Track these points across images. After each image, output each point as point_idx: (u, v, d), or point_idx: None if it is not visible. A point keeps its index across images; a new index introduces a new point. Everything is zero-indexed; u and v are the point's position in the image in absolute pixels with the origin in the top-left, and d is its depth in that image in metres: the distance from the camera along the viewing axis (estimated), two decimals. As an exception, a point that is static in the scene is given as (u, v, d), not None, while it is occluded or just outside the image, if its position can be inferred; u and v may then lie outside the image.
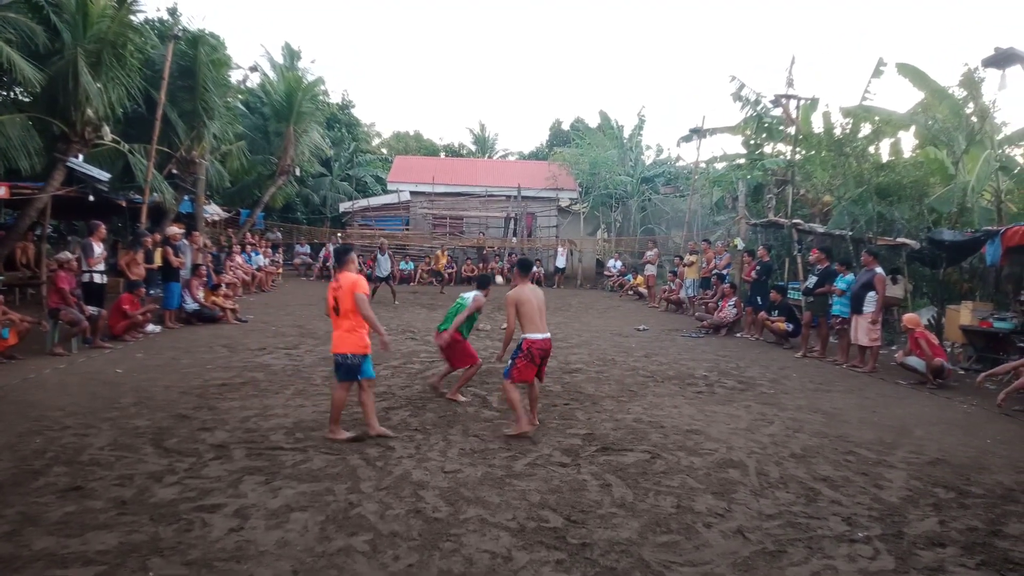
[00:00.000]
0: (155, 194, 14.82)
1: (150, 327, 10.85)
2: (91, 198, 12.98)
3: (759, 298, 12.84)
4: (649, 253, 20.32)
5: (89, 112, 11.77)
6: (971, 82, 13.60)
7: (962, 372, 9.87)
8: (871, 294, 9.74)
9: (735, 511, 4.44)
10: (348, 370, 5.66)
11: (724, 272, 15.27)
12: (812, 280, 11.13)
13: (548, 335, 6.13)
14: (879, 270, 9.94)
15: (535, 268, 5.71)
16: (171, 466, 4.89)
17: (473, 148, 47.72)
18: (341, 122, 35.88)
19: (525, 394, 6.23)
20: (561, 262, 24.67)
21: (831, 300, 10.55)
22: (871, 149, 15.89)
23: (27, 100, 12.77)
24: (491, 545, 3.82)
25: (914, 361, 8.98)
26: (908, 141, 16.40)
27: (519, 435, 5.86)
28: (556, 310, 16.87)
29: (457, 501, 4.43)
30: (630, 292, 21.27)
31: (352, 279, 5.64)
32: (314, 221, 31.21)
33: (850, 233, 13.54)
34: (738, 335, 13.25)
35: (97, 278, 10.20)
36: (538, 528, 4.07)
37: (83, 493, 4.35)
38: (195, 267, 12.70)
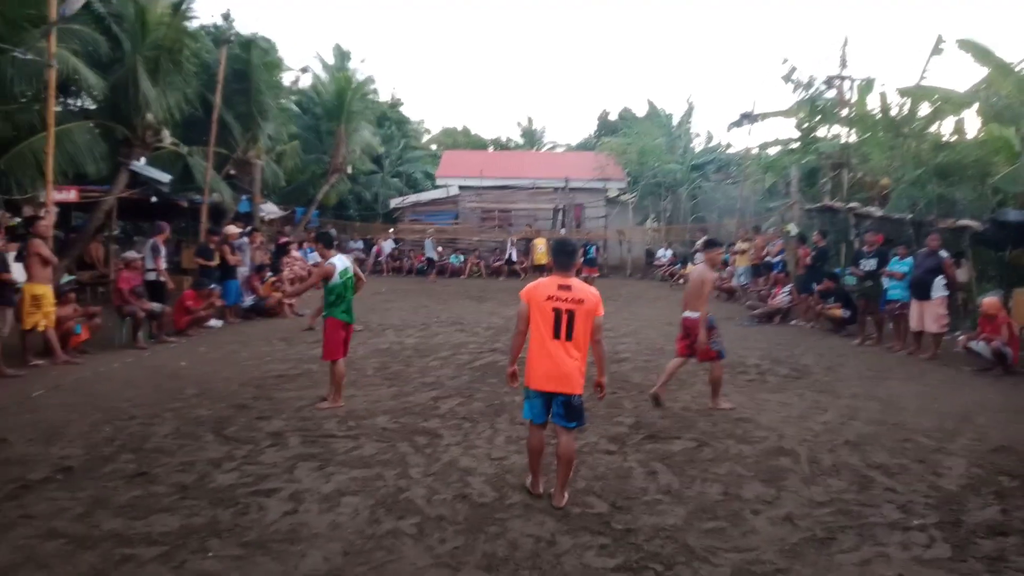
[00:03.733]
0: (214, 194, 15.34)
1: (213, 322, 11.29)
2: (154, 199, 13.54)
3: (814, 284, 12.50)
4: (699, 242, 19.98)
5: (149, 117, 12.28)
6: (1040, 54, 12.88)
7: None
8: (939, 279, 9.36)
9: (784, 498, 4.37)
10: (579, 414, 4.26)
11: (776, 259, 14.91)
12: (872, 263, 10.73)
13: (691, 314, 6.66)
14: (945, 254, 9.56)
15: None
16: (230, 453, 5.09)
17: (521, 141, 47.72)
18: (391, 120, 36.38)
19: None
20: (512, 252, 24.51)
21: (886, 285, 10.19)
22: (932, 129, 15.23)
23: (92, 107, 13.37)
24: (535, 530, 3.87)
25: (980, 346, 8.60)
26: (973, 121, 15.62)
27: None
28: (605, 300, 16.69)
29: (503, 487, 4.50)
30: (680, 281, 20.97)
31: (596, 295, 4.29)
32: (366, 217, 31.77)
33: (910, 216, 13.04)
34: (792, 323, 12.93)
35: (162, 277, 10.66)
36: (583, 514, 4.09)
37: (148, 478, 4.57)
38: (259, 267, 13.13)
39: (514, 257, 24.48)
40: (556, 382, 4.11)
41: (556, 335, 4.11)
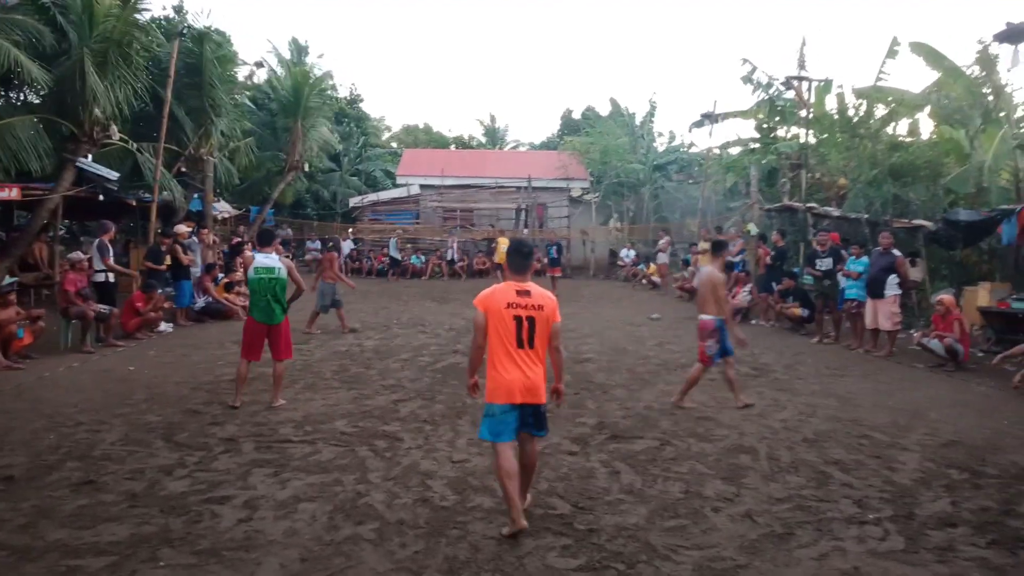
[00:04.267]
0: (164, 192, 14.93)
1: (163, 325, 10.94)
2: (101, 198, 13.10)
3: (773, 284, 12.71)
4: (661, 242, 20.20)
5: (97, 112, 11.86)
6: (986, 60, 13.35)
7: (980, 354, 9.71)
8: (892, 277, 9.59)
9: (744, 495, 4.40)
10: (546, 421, 4.12)
11: (736, 259, 15.13)
12: (827, 263, 10.96)
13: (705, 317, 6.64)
14: (898, 252, 9.81)
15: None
16: (181, 460, 4.94)
17: (483, 140, 47.63)
18: (350, 117, 35.91)
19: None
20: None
21: (843, 284, 10.41)
22: (888, 130, 15.67)
23: (36, 102, 12.88)
24: (497, 532, 3.81)
25: (933, 343, 8.83)
26: (926, 122, 16.15)
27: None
28: (568, 300, 16.82)
29: (464, 490, 4.44)
30: (643, 281, 21.16)
31: (554, 300, 4.06)
32: (324, 217, 31.31)
33: (866, 216, 13.37)
34: (752, 322, 13.14)
35: (111, 277, 10.30)
36: (545, 515, 4.06)
37: (95, 487, 4.41)
38: (209, 266, 12.78)
39: (455, 257, 24.31)
40: (528, 394, 3.84)
41: (520, 344, 3.85)
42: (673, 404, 6.65)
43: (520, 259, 4.06)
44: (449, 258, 24.29)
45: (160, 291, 10.76)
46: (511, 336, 3.85)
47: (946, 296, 9.39)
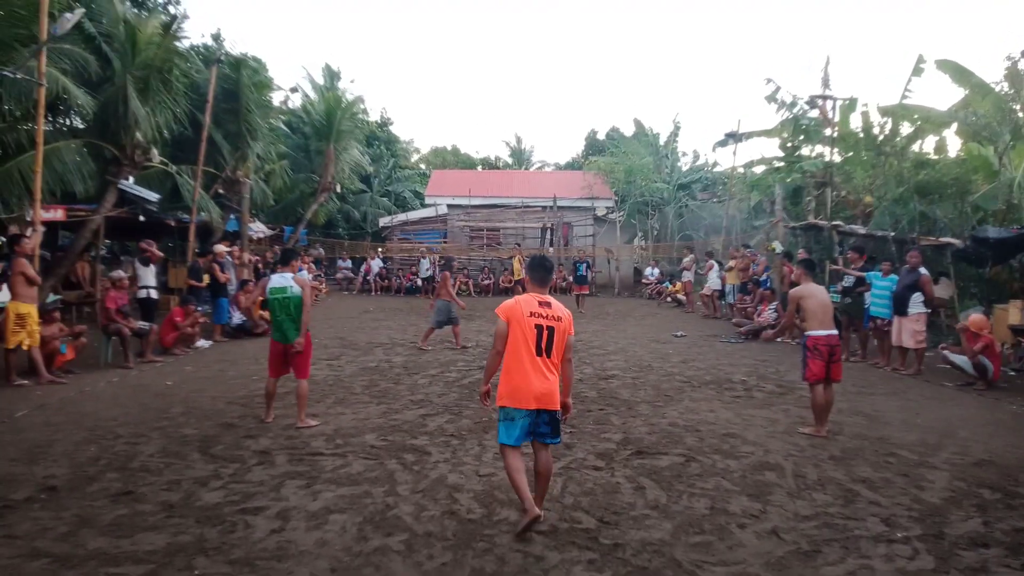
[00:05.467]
0: (202, 213, 15.33)
1: (200, 342, 11.24)
2: (142, 218, 13.53)
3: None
4: (686, 260, 20.15)
5: (138, 136, 12.28)
6: (1016, 75, 13.20)
7: (1012, 373, 9.54)
8: (916, 295, 9.49)
9: (770, 512, 4.40)
10: (558, 428, 4.24)
11: (763, 277, 15.06)
12: (850, 280, 10.88)
13: (833, 331, 6.45)
14: (924, 271, 9.70)
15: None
16: (216, 472, 5.07)
17: (510, 161, 48.06)
18: (380, 139, 36.61)
19: None
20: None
21: (867, 302, 10.31)
22: (914, 148, 15.54)
23: (81, 126, 13.39)
24: (523, 545, 3.87)
25: (961, 360, 8.70)
26: (953, 140, 15.99)
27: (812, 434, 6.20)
28: (593, 318, 16.87)
29: (491, 503, 4.50)
30: (668, 299, 21.10)
31: (570, 314, 4.26)
32: (355, 236, 31.81)
33: (892, 234, 13.24)
34: (778, 340, 13.02)
35: (154, 294, 10.64)
36: (571, 529, 4.10)
37: (134, 497, 4.53)
38: (243, 283, 13.10)
39: (431, 274, 22.74)
40: (544, 399, 4.02)
41: (539, 352, 4.04)
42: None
43: (542, 273, 4.33)
44: (426, 275, 23.31)
45: (199, 308, 11.07)
46: (532, 344, 4.04)
47: (976, 316, 9.23)
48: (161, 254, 12.34)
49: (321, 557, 3.71)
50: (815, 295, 6.51)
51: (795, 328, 12.38)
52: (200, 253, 12.80)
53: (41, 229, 9.35)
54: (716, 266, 17.59)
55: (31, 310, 8.22)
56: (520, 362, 4.04)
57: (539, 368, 4.03)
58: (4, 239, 10.35)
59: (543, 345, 4.05)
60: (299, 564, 3.62)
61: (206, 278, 12.03)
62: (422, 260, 24.14)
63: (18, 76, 9.62)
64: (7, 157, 10.68)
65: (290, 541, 3.90)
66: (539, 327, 4.06)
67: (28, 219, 10.06)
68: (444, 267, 13.46)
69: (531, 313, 4.08)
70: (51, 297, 10.24)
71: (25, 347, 8.10)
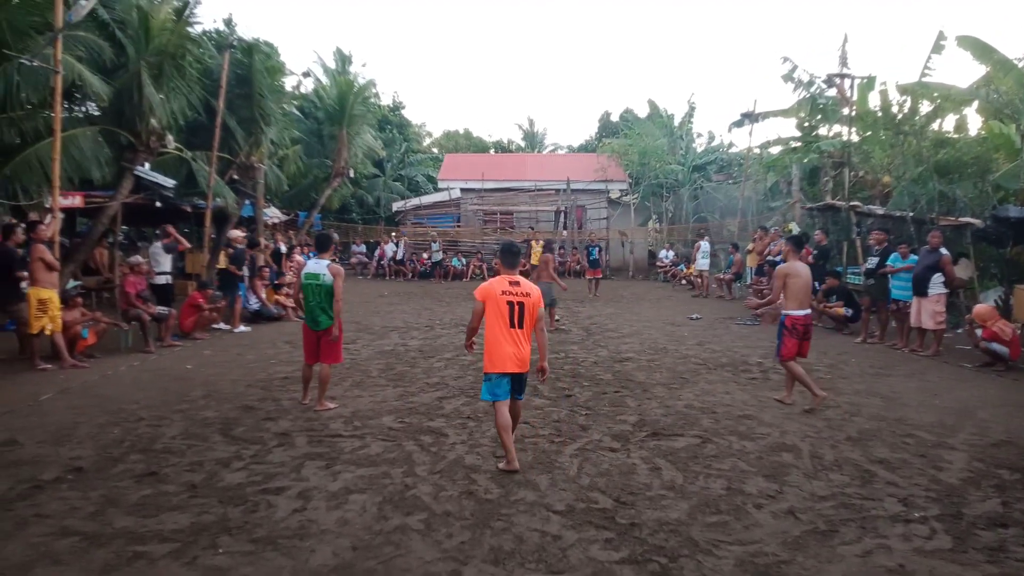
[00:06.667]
0: (218, 199, 15.40)
1: (224, 325, 11.39)
2: (158, 204, 13.62)
3: (816, 283, 12.51)
4: (703, 243, 20.01)
5: (153, 122, 12.31)
6: (1039, 51, 12.92)
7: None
8: (936, 276, 9.39)
9: (787, 493, 4.42)
10: (523, 387, 5.02)
11: (778, 259, 14.94)
12: (873, 261, 10.78)
13: (809, 311, 6.73)
14: (944, 251, 9.59)
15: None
16: (238, 453, 5.16)
17: (522, 144, 47.83)
18: (392, 123, 36.55)
19: None
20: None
21: (891, 283, 10.21)
22: (934, 126, 15.27)
23: (96, 113, 13.44)
24: (541, 525, 3.92)
25: (995, 345, 8.55)
26: (973, 118, 15.66)
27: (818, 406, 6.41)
28: (608, 301, 16.86)
29: (508, 484, 4.55)
30: (683, 282, 21.01)
31: (538, 290, 5.01)
32: (369, 221, 31.89)
33: (911, 214, 13.08)
34: (759, 313, 12.88)
35: (169, 280, 10.75)
36: (587, 509, 4.14)
37: (158, 478, 4.63)
38: (259, 268, 13.20)
39: (401, 257, 24.94)
40: (520, 364, 4.79)
41: (512, 324, 4.77)
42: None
43: (511, 257, 5.11)
44: (398, 258, 25.03)
45: (219, 295, 11.23)
46: (505, 318, 4.78)
47: (980, 307, 9.13)
48: (188, 244, 12.45)
49: (342, 536, 3.78)
50: (800, 274, 6.61)
51: (814, 310, 12.39)
52: (251, 244, 12.98)
53: (60, 215, 9.45)
54: (703, 245, 18.16)
55: (52, 295, 8.35)
56: (498, 335, 4.78)
57: (515, 338, 4.78)
58: (24, 225, 10.49)
59: (515, 319, 4.78)
60: (321, 542, 3.69)
61: (222, 260, 12.14)
62: (432, 244, 24.84)
63: (35, 64, 9.67)
64: (25, 144, 10.75)
65: (311, 520, 3.97)
66: (511, 303, 4.79)
67: (47, 206, 10.15)
68: (546, 249, 15.25)
69: (503, 291, 4.81)
70: (71, 283, 10.37)
71: (48, 332, 8.23)
